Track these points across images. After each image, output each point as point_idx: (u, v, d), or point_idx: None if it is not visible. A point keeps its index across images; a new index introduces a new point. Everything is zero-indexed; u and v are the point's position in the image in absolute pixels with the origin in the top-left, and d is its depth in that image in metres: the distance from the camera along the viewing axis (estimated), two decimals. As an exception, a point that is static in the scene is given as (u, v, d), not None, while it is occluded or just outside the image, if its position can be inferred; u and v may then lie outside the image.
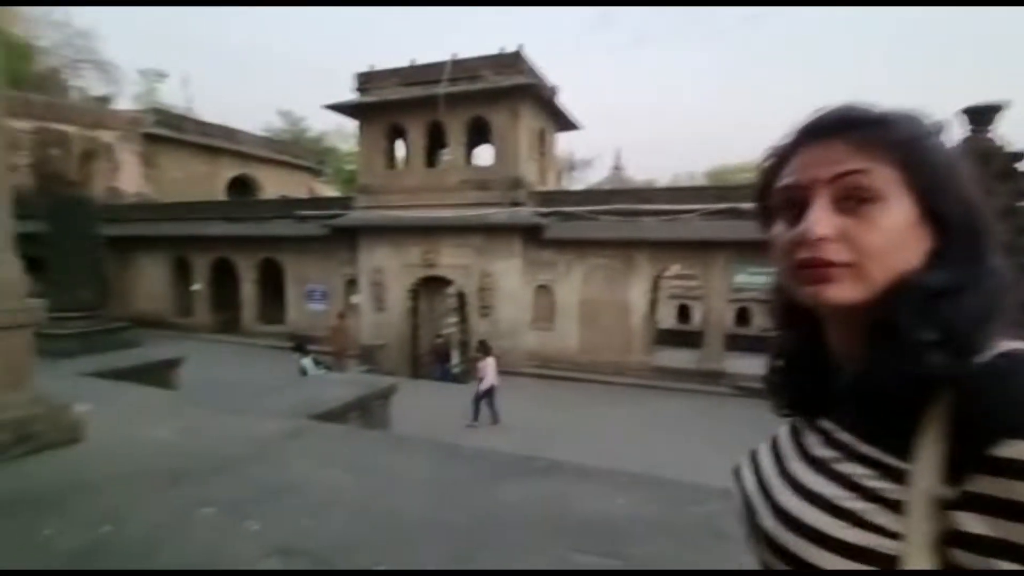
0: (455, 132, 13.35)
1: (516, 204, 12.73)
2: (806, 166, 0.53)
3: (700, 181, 34.91)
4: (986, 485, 0.41)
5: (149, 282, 18.40)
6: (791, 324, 0.62)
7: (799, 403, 0.61)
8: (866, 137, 0.51)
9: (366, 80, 14.28)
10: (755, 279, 11.39)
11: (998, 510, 0.41)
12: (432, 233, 13.24)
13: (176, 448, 3.14)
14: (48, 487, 2.57)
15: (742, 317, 22.05)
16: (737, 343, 12.55)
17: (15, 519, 2.27)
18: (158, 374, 6.31)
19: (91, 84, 27.31)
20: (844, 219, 0.50)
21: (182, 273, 17.86)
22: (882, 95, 0.55)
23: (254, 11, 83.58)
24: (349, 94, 14.42)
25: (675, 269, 19.64)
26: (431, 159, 14.83)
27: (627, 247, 12.02)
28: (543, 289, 12.94)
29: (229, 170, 24.18)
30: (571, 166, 35.30)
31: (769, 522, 0.54)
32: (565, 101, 14.70)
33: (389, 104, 13.69)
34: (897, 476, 0.46)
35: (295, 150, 28.95)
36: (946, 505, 0.43)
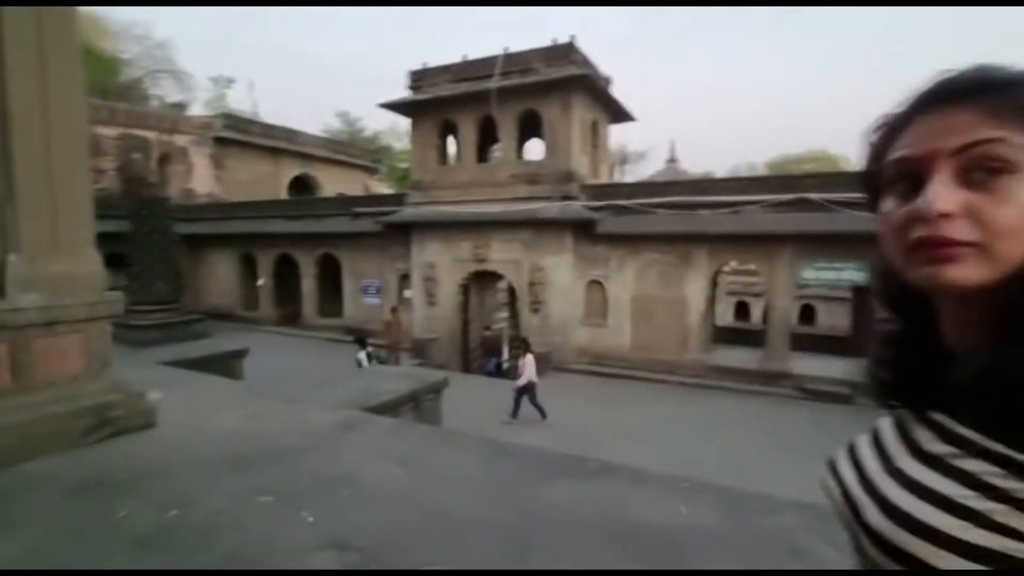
0: (506, 126, 13.31)
1: (568, 198, 12.55)
2: (925, 136, 0.49)
3: (760, 172, 33.25)
4: None
5: (219, 277, 19.57)
6: (900, 309, 0.59)
7: (907, 394, 0.57)
8: (1001, 102, 0.46)
9: (419, 78, 14.49)
10: (823, 275, 10.67)
11: None
12: (483, 228, 13.28)
13: (238, 436, 3.26)
14: (124, 471, 2.72)
15: (805, 315, 20.91)
16: (800, 342, 11.88)
17: (95, 500, 2.41)
18: (225, 364, 6.66)
19: (168, 92, 29.39)
20: (970, 194, 0.46)
21: (248, 269, 18.88)
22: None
23: (314, 18, 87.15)
24: (404, 93, 14.68)
25: (732, 264, 18.87)
26: (482, 154, 14.89)
27: (684, 241, 11.57)
28: (595, 284, 12.70)
29: (291, 170, 25.32)
30: (623, 160, 34.56)
31: (878, 519, 0.51)
32: (617, 93, 14.36)
33: (441, 100, 13.82)
34: None
35: (351, 150, 29.93)
36: None
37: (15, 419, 2.79)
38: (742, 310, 23.90)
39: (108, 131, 19.02)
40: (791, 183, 11.16)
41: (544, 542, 2.11)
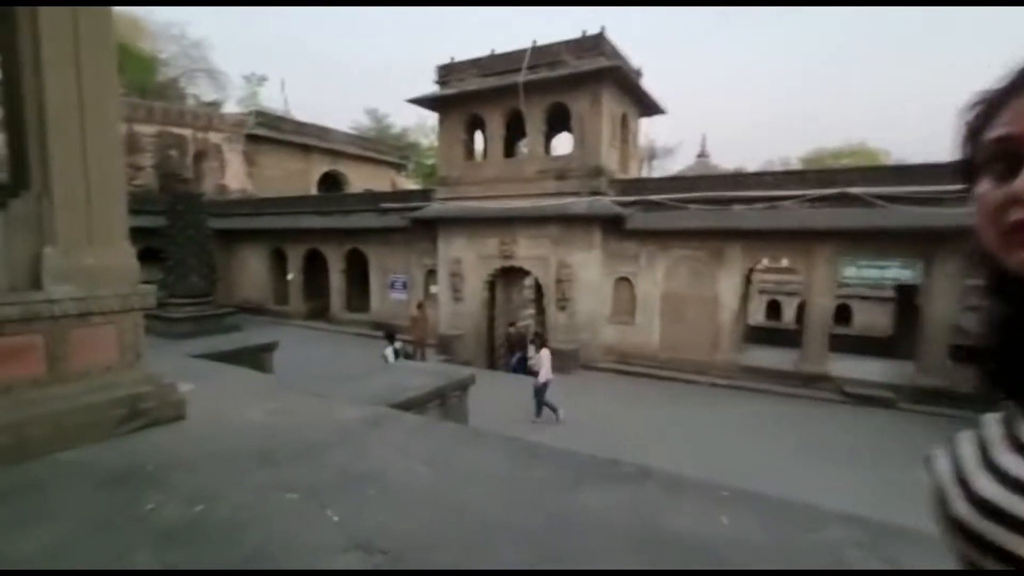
0: (534, 120, 13.15)
1: (596, 193, 12.33)
2: None
3: (795, 167, 32.20)
4: None
5: (250, 271, 20.03)
6: (1001, 295, 0.54)
7: (1014, 387, 0.53)
8: None
9: (446, 72, 14.44)
10: (866, 272, 10.22)
11: None
12: (509, 224, 13.18)
13: (266, 430, 3.25)
14: (153, 463, 2.73)
15: (841, 315, 20.17)
16: (837, 343, 11.41)
17: (124, 493, 2.42)
18: (255, 357, 6.74)
19: (203, 90, 30.18)
20: None
21: (279, 263, 19.26)
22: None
23: (346, 17, 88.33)
24: (432, 88, 14.67)
25: (764, 262, 18.31)
26: (509, 150, 14.75)
27: (716, 237, 11.24)
28: (623, 282, 12.48)
29: (320, 166, 25.71)
30: (651, 155, 33.93)
31: (963, 509, 0.49)
32: (647, 86, 14.03)
33: (468, 95, 13.75)
34: None
35: (379, 146, 30.23)
36: None
37: (50, 408, 2.83)
38: (773, 309, 23.25)
39: (146, 129, 19.64)
40: (831, 177, 10.71)
41: (574, 548, 2.02)
